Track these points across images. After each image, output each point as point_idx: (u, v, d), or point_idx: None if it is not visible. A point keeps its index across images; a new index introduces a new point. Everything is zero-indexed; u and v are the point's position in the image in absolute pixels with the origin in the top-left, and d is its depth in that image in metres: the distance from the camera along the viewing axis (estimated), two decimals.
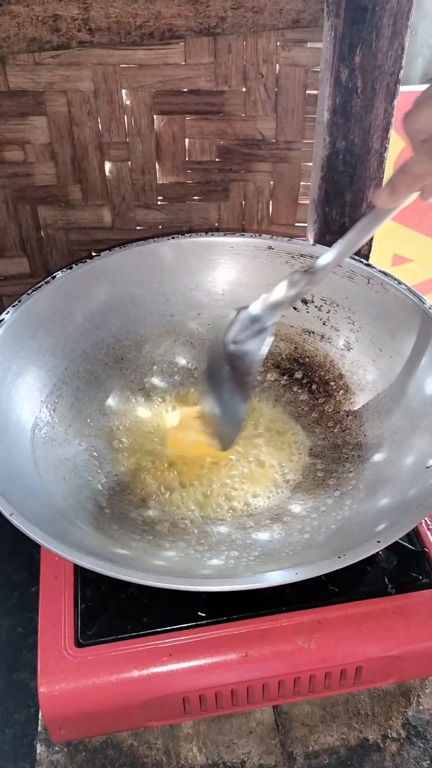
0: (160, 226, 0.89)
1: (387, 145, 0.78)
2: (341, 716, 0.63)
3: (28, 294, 0.70)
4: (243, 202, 0.89)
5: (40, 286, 0.71)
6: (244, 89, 0.79)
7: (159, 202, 0.87)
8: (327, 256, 0.58)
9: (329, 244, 0.79)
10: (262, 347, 0.61)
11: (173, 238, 0.78)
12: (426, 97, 0.50)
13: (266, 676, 0.58)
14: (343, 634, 0.58)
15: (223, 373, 0.63)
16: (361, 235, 0.57)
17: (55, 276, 0.72)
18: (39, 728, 0.63)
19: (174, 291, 0.78)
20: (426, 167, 0.51)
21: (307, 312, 0.77)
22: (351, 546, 0.52)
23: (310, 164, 0.84)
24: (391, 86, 0.73)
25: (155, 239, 0.78)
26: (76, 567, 0.62)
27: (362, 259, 0.75)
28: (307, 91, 0.80)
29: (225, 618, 0.59)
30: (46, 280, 0.72)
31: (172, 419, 0.73)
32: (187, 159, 0.84)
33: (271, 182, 0.87)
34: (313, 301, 0.77)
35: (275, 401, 0.76)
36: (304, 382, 0.77)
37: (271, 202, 0.89)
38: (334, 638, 0.58)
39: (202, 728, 0.62)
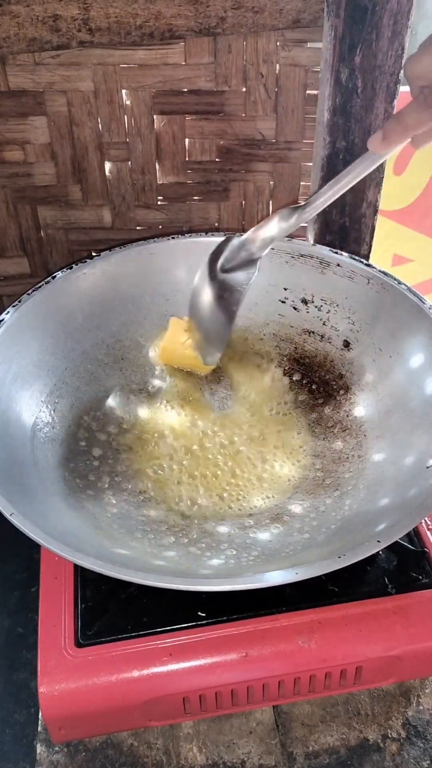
0: (160, 226, 0.89)
1: None
2: (341, 716, 0.63)
3: (28, 294, 0.70)
4: (243, 202, 0.88)
5: (40, 286, 0.71)
6: (244, 89, 0.79)
7: (159, 202, 0.87)
8: (318, 194, 0.61)
9: (329, 244, 0.80)
10: (249, 281, 0.65)
11: (173, 238, 0.78)
12: (430, 43, 0.49)
13: (266, 676, 0.58)
14: (343, 634, 0.58)
15: (211, 296, 0.67)
16: (353, 177, 0.59)
17: (55, 276, 0.72)
18: (39, 728, 0.63)
19: (174, 291, 0.78)
20: (419, 116, 0.52)
21: (307, 312, 0.78)
22: (351, 546, 0.52)
23: (310, 164, 0.84)
24: (391, 86, 0.73)
25: (155, 239, 0.78)
26: (76, 567, 0.62)
27: (362, 260, 0.75)
28: (307, 91, 0.80)
29: (225, 618, 0.59)
30: (46, 280, 0.72)
31: (166, 333, 0.75)
32: (187, 159, 0.84)
33: (271, 182, 0.87)
34: (313, 301, 0.77)
35: (275, 402, 0.76)
36: (304, 382, 0.77)
37: (271, 202, 0.89)
38: (334, 638, 0.58)
39: (202, 728, 0.62)
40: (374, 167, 0.58)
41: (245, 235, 0.66)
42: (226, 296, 0.66)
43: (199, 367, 0.75)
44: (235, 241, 0.67)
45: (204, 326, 0.70)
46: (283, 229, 0.63)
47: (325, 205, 0.62)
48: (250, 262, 0.65)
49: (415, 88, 0.51)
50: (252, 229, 0.65)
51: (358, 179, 0.59)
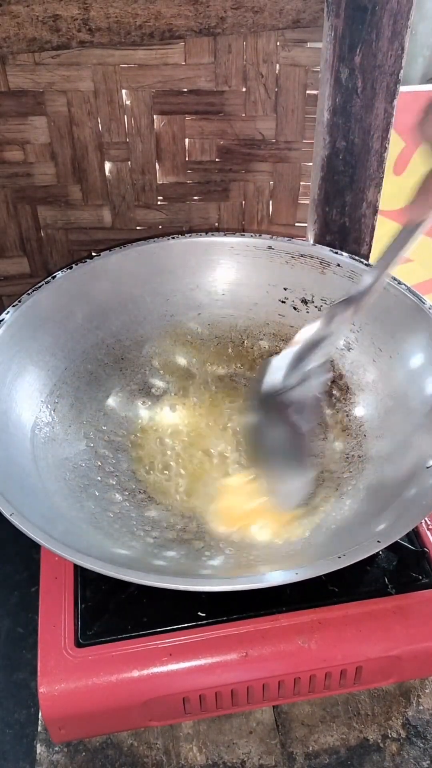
0: (160, 226, 0.89)
1: (387, 146, 0.77)
2: (341, 716, 0.63)
3: (28, 294, 0.70)
4: (243, 202, 0.88)
5: (40, 286, 0.71)
6: (244, 89, 0.79)
7: (159, 202, 0.87)
8: (365, 280, 0.55)
9: (329, 245, 0.80)
10: (321, 387, 0.55)
11: (173, 238, 0.78)
12: None
13: (266, 676, 0.58)
14: (343, 634, 0.58)
15: (276, 426, 0.56)
16: (399, 251, 0.54)
17: (55, 276, 0.72)
18: (39, 728, 0.63)
19: (174, 291, 0.78)
20: None
21: (307, 312, 0.78)
22: (351, 546, 0.52)
23: (310, 164, 0.84)
24: (391, 86, 0.73)
25: (155, 239, 0.78)
26: (76, 567, 0.62)
27: (362, 260, 0.75)
28: (307, 91, 0.80)
29: (225, 618, 0.59)
30: (46, 280, 0.72)
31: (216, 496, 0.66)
32: (187, 159, 0.84)
33: (271, 182, 0.87)
34: (313, 301, 0.77)
35: None
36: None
37: (271, 202, 0.89)
38: (334, 638, 0.58)
39: (202, 728, 0.62)
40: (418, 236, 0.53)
41: (295, 348, 0.55)
42: (295, 414, 0.55)
43: (275, 517, 0.62)
44: (278, 360, 0.56)
45: (275, 464, 0.59)
46: (346, 322, 0.55)
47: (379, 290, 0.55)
48: (312, 371, 0.54)
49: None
50: (300, 337, 0.56)
51: (406, 252, 0.54)
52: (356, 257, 0.75)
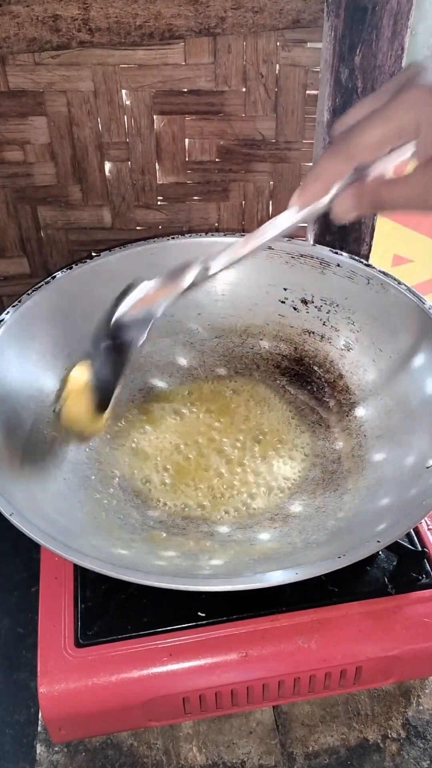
0: (160, 227, 0.89)
1: None
2: (341, 716, 0.63)
3: (28, 294, 0.70)
4: (243, 202, 0.88)
5: (40, 286, 0.71)
6: (244, 89, 0.79)
7: (159, 203, 0.87)
8: (231, 249, 0.56)
9: (329, 244, 0.80)
10: (143, 335, 0.58)
11: (173, 238, 0.78)
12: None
13: (266, 676, 0.58)
14: (343, 634, 0.58)
15: (105, 347, 0.60)
16: (273, 234, 0.52)
17: (55, 276, 0.72)
18: (39, 728, 0.63)
19: None
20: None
21: (307, 312, 0.78)
22: (351, 546, 0.52)
23: (310, 164, 0.84)
24: None
25: (155, 239, 0.78)
26: (76, 567, 0.62)
27: (362, 260, 0.75)
28: (307, 92, 0.80)
29: (225, 618, 0.59)
30: (46, 280, 0.72)
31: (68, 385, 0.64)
32: (187, 159, 0.84)
33: (271, 182, 0.87)
34: (313, 302, 0.77)
35: (275, 402, 0.76)
36: (303, 382, 0.77)
37: (271, 202, 0.89)
38: (334, 638, 0.58)
39: (202, 728, 0.62)
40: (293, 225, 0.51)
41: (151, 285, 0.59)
42: (120, 346, 0.59)
43: (91, 430, 0.62)
44: (134, 294, 0.59)
45: (96, 377, 0.61)
46: (185, 287, 0.57)
47: (233, 262, 0.56)
48: (148, 316, 0.58)
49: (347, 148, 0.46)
50: (155, 281, 0.59)
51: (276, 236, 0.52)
52: (356, 257, 0.75)
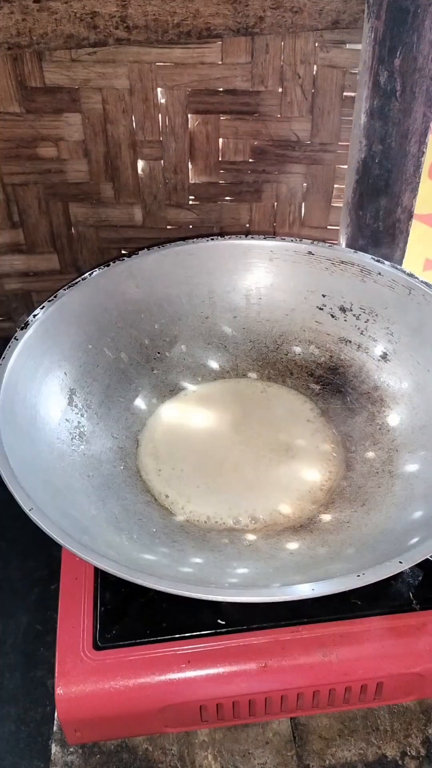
0: (190, 226, 0.89)
1: (424, 150, 0.76)
2: (360, 731, 0.62)
3: (64, 290, 0.70)
4: (275, 203, 0.88)
5: (76, 283, 0.71)
6: (280, 90, 0.78)
7: (190, 202, 0.87)
8: None
9: (361, 249, 0.78)
10: None
11: (212, 239, 0.76)
12: None
13: (285, 687, 0.57)
14: (365, 649, 0.57)
15: None
16: None
17: (92, 273, 0.72)
18: (54, 728, 0.62)
19: (210, 293, 0.77)
20: None
21: (345, 320, 0.76)
22: (373, 564, 0.50)
23: (345, 167, 0.83)
24: (431, 90, 0.72)
25: (193, 240, 0.76)
26: (96, 568, 0.62)
27: (404, 269, 0.73)
28: (344, 93, 0.78)
29: (245, 627, 0.58)
30: (82, 276, 0.71)
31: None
32: (220, 159, 0.83)
33: (305, 184, 0.86)
34: (351, 310, 0.75)
35: (306, 410, 0.74)
36: (337, 392, 0.75)
37: (303, 204, 0.88)
38: (355, 653, 0.57)
39: (217, 736, 0.61)
40: None
41: None
42: None
43: None
44: None
45: None
46: None
47: None
48: None
49: None
50: None
51: None
52: (398, 267, 0.73)
